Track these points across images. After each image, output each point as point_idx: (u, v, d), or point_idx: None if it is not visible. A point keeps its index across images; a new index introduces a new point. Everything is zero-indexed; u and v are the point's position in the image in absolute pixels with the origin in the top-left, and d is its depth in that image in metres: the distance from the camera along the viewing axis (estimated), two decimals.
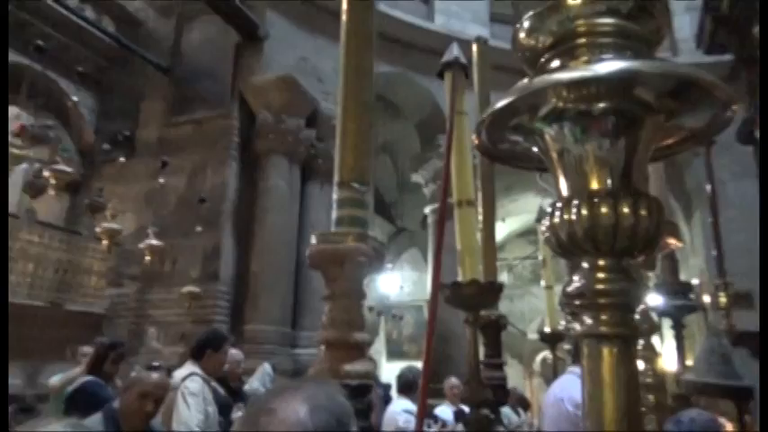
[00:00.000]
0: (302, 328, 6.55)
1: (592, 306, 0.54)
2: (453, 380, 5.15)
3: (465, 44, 1.98)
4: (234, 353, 4.22)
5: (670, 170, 8.03)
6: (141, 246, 5.95)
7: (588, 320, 0.54)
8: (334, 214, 1.38)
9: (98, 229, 5.85)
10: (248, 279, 6.45)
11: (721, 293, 2.38)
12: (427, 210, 9.08)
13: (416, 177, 9.34)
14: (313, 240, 1.37)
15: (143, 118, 7.29)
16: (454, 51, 1.48)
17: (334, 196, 1.38)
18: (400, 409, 4.21)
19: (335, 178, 1.40)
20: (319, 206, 7.03)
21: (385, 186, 10.61)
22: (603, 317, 0.53)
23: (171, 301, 6.20)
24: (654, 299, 2.31)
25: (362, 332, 1.28)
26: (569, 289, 0.57)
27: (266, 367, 5.02)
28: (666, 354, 2.41)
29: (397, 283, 12.01)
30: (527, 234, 13.08)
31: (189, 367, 3.24)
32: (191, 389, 3.06)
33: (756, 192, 6.04)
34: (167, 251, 6.22)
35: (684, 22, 8.31)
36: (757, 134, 2.53)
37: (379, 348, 11.45)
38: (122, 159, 6.92)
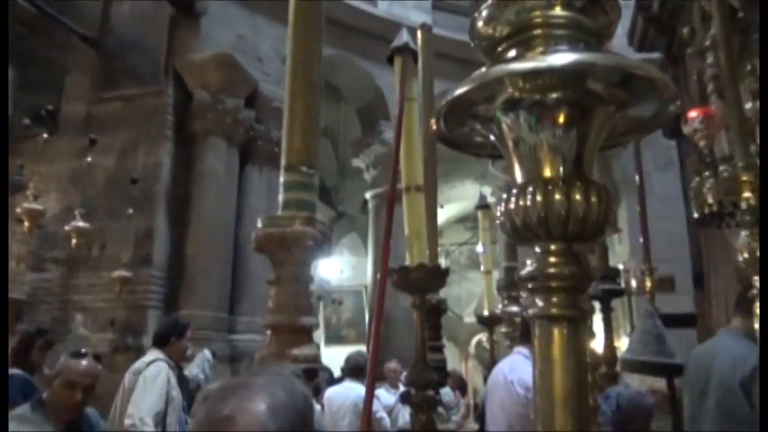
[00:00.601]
0: (240, 313, 6.44)
1: (544, 289, 0.56)
2: (393, 363, 5.26)
3: (408, 30, 1.98)
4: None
5: (600, 161, 8.41)
6: (67, 228, 5.63)
7: (540, 302, 0.56)
8: (281, 197, 1.36)
9: (18, 210, 5.49)
10: (184, 263, 6.26)
11: (647, 278, 2.53)
12: (368, 195, 9.10)
13: (357, 162, 9.33)
14: (259, 224, 1.35)
15: (68, 92, 6.85)
16: (404, 37, 1.48)
17: (282, 179, 1.36)
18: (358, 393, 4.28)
19: (282, 161, 1.38)
20: (258, 190, 6.89)
21: (325, 171, 10.54)
22: (555, 299, 0.55)
23: (100, 286, 5.92)
24: None
25: (310, 316, 1.28)
26: (522, 272, 0.59)
27: (206, 353, 4.96)
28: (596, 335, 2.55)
29: (337, 268, 12.00)
30: (464, 220, 13.39)
31: (153, 353, 3.32)
32: (152, 372, 3.13)
33: (678, 183, 6.42)
34: (96, 234, 5.92)
35: None
36: (683, 128, 2.70)
37: (317, 333, 11.42)
38: (45, 136, 6.49)
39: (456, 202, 12.17)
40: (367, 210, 9.28)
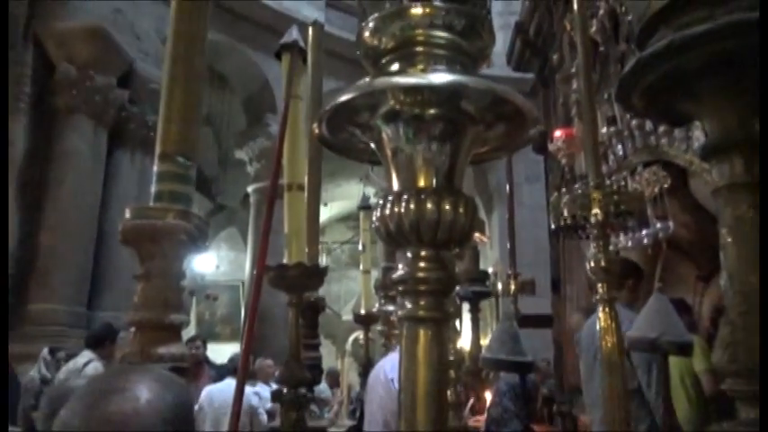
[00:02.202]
0: (100, 308, 5.94)
1: (412, 292, 0.60)
2: (268, 360, 5.21)
3: (301, 26, 1.97)
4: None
5: (477, 171, 8.94)
6: None
7: (408, 305, 0.60)
8: (153, 188, 1.29)
9: None
10: (37, 253, 5.65)
11: (511, 281, 2.74)
12: (250, 189, 8.86)
13: (240, 154, 9.04)
14: (127, 214, 1.27)
15: None
16: (294, 34, 1.47)
17: (155, 169, 1.29)
18: (251, 390, 4.50)
19: (157, 149, 1.31)
20: (129, 176, 6.41)
21: (206, 160, 10.06)
22: (422, 302, 0.59)
23: None
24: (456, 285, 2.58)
25: (179, 313, 1.23)
26: (394, 276, 0.62)
27: (44, 352, 4.52)
28: (464, 334, 2.71)
29: (213, 263, 11.54)
30: (347, 219, 13.52)
31: (87, 355, 3.51)
32: (90, 371, 3.33)
33: (544, 194, 6.99)
34: None
35: (498, 38, 9.19)
36: (549, 146, 2.97)
37: (188, 330, 10.89)
38: None
39: (340, 200, 12.24)
40: (248, 204, 9.02)
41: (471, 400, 3.59)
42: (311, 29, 2.24)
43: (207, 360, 6.10)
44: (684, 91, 0.69)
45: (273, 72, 7.60)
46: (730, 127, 0.70)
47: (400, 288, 0.60)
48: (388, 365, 2.46)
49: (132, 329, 1.19)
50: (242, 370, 1.08)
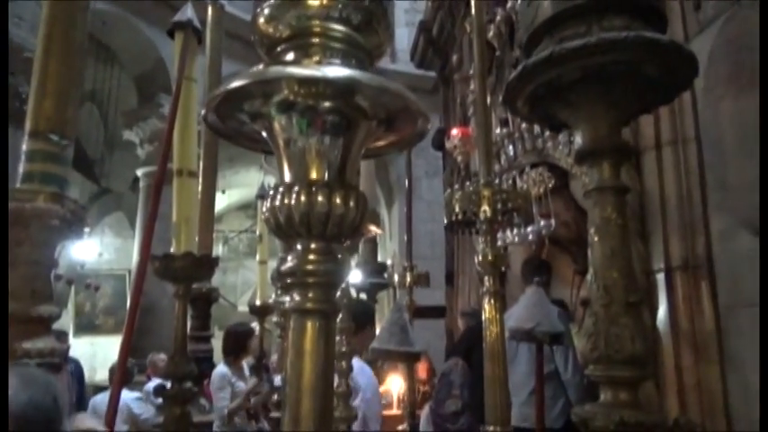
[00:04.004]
0: None
1: (301, 284, 0.59)
2: (161, 355, 4.98)
3: (200, 4, 1.88)
4: None
5: (379, 164, 9.06)
6: None
7: (297, 297, 0.59)
8: (21, 168, 1.18)
9: None
10: None
11: (407, 274, 2.81)
12: (140, 172, 8.33)
13: (130, 135, 8.48)
14: None
15: None
16: (188, 13, 1.39)
17: (25, 147, 1.18)
18: (132, 396, 4.35)
19: (27, 126, 1.19)
20: None
21: (89, 140, 9.30)
22: (310, 294, 0.59)
23: None
24: (354, 276, 2.60)
25: (50, 304, 1.13)
26: (282, 268, 0.61)
27: None
28: None
29: (96, 250, 10.71)
30: (246, 208, 13.14)
31: None
32: None
33: (441, 189, 7.22)
34: None
35: (403, 34, 9.40)
36: (446, 144, 3.08)
37: (65, 322, 10.06)
38: None
39: (239, 188, 11.88)
40: (137, 188, 8.48)
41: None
42: (211, 8, 2.15)
43: (66, 357, 5.69)
44: (562, 99, 0.74)
45: (168, 49, 7.18)
46: (601, 135, 0.76)
47: (288, 280, 0.60)
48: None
49: None
50: (119, 369, 1.01)
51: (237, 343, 4.08)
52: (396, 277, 2.93)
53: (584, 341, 0.76)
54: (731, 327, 2.11)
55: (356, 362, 2.25)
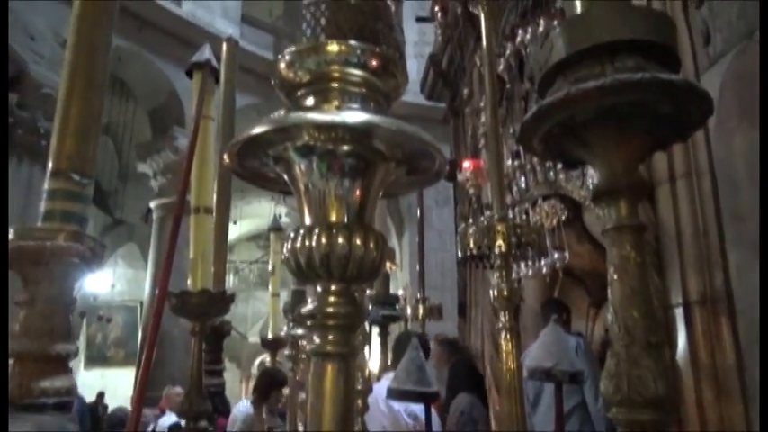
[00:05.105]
0: None
1: (321, 326, 0.59)
2: (177, 388, 4.94)
3: (213, 39, 1.93)
4: None
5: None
6: None
7: (317, 339, 0.59)
8: (43, 207, 1.19)
9: None
10: None
11: (420, 306, 2.79)
12: (153, 204, 8.42)
13: (144, 167, 8.60)
14: (11, 234, 1.16)
15: None
16: (206, 53, 1.43)
17: (46, 186, 1.20)
18: None
19: (50, 165, 1.22)
20: (15, 186, 5.88)
21: (103, 172, 9.46)
22: (330, 337, 0.59)
23: None
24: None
25: (68, 342, 1.13)
26: (303, 310, 0.61)
27: None
28: (373, 357, 2.71)
29: (108, 281, 10.77)
30: (257, 238, 13.20)
31: None
32: None
33: (452, 218, 7.22)
34: None
35: (413, 66, 9.55)
36: (458, 175, 3.10)
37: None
38: None
39: (250, 218, 11.95)
40: (150, 219, 8.56)
41: None
42: (225, 45, 2.20)
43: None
44: (577, 138, 0.75)
45: (181, 83, 7.35)
46: (616, 173, 0.77)
47: (309, 323, 0.60)
48: (382, 393, 2.43)
49: (11, 361, 1.08)
50: (137, 401, 1.01)
51: (272, 386, 4.07)
52: (408, 309, 2.91)
53: (605, 382, 0.75)
54: (753, 362, 2.07)
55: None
